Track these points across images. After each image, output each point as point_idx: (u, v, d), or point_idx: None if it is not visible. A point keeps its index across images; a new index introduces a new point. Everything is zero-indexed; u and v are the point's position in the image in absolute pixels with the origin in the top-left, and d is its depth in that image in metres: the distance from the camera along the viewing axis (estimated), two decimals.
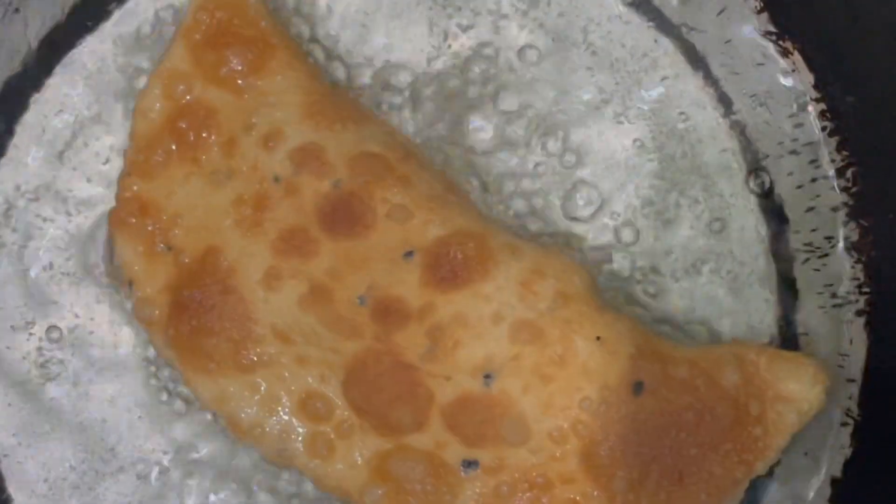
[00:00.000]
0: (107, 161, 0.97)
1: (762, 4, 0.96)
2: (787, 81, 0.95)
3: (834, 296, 0.94)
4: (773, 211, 0.96)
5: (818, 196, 0.95)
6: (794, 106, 0.95)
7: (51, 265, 0.97)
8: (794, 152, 0.95)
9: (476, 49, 0.97)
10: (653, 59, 0.97)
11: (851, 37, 0.93)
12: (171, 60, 0.92)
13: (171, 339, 0.91)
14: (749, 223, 0.96)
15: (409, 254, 0.88)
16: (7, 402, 0.97)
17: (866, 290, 0.94)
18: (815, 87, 0.95)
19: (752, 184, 0.96)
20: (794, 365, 0.88)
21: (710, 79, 0.97)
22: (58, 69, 0.98)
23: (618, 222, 0.96)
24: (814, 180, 0.95)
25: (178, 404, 0.96)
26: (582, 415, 0.87)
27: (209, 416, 0.96)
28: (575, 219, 0.96)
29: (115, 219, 0.92)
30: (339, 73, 0.97)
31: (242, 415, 0.89)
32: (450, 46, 0.97)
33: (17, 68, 0.98)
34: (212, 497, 0.96)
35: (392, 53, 0.97)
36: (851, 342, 0.94)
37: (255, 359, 0.89)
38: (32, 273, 0.97)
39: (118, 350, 0.97)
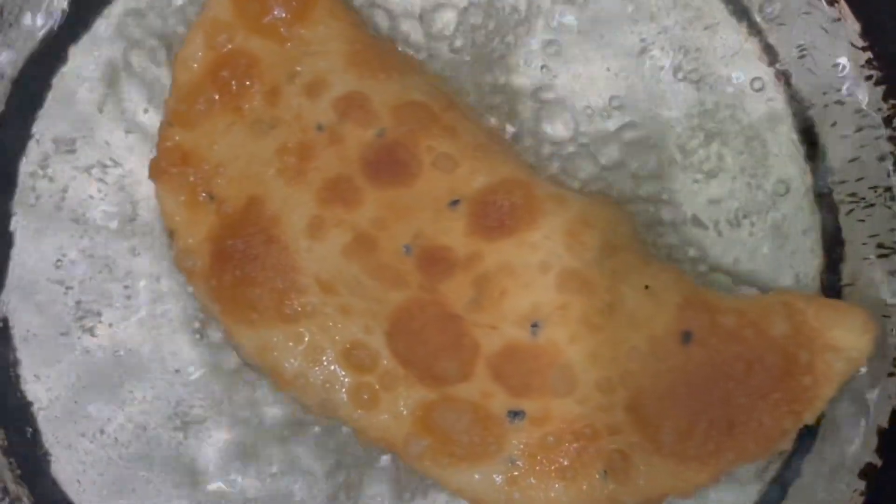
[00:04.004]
0: (146, 111, 0.96)
1: None
2: (832, 29, 0.94)
3: (880, 246, 0.94)
4: (818, 161, 0.95)
5: (864, 146, 0.94)
6: (840, 54, 0.94)
7: (87, 217, 0.96)
8: (839, 101, 0.94)
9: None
10: (695, 8, 0.96)
11: None
12: (213, 9, 0.91)
13: (214, 289, 0.90)
14: (793, 173, 0.95)
15: (455, 202, 0.88)
16: (44, 356, 0.96)
17: None
18: (862, 35, 0.94)
19: (796, 133, 0.95)
20: (843, 313, 0.88)
21: (755, 28, 0.96)
22: (95, 20, 0.97)
23: (660, 173, 0.95)
24: (859, 129, 0.94)
25: (220, 358, 0.95)
26: (630, 365, 0.86)
27: (252, 371, 0.94)
28: (617, 169, 0.94)
29: (155, 169, 0.91)
30: (381, 21, 0.96)
31: (286, 364, 0.89)
32: None
33: (55, 20, 0.96)
34: (252, 456, 0.95)
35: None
36: None
37: (299, 309, 0.88)
38: (68, 226, 0.96)
39: (156, 304, 0.96)
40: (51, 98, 0.97)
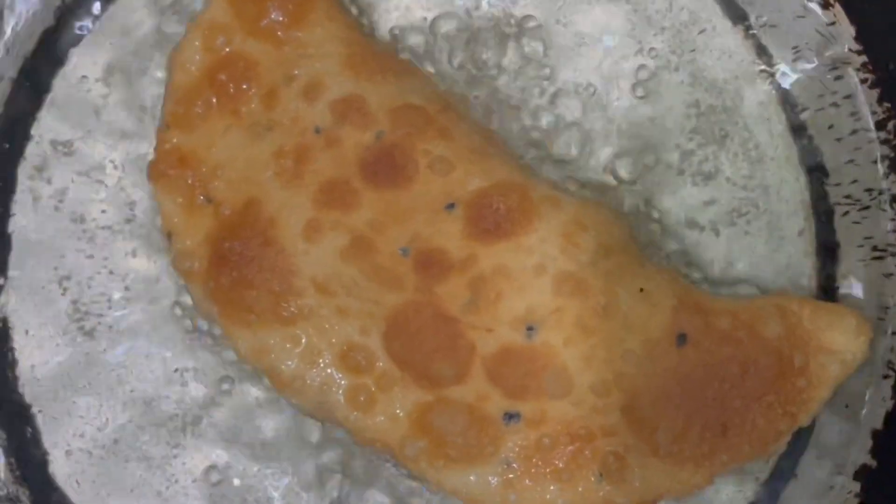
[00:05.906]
0: (143, 114, 0.96)
1: None
2: (827, 34, 0.94)
3: (874, 248, 0.94)
4: (813, 163, 0.95)
5: (858, 148, 0.94)
6: (835, 58, 0.94)
7: (85, 218, 0.96)
8: (834, 104, 0.95)
9: (510, 7, 0.96)
10: (692, 11, 0.96)
11: None
12: (210, 12, 0.92)
13: (211, 291, 0.90)
14: (788, 176, 0.95)
15: (451, 205, 0.88)
16: (42, 357, 0.97)
17: None
18: (856, 38, 0.94)
19: (791, 136, 0.95)
20: (838, 316, 0.88)
21: (750, 31, 0.96)
22: (94, 23, 0.97)
23: (655, 175, 0.95)
24: (854, 132, 0.94)
25: (215, 358, 0.96)
26: (624, 367, 0.87)
27: (247, 370, 0.95)
28: (613, 171, 0.95)
29: (154, 171, 0.92)
30: (375, 25, 0.96)
31: (283, 367, 0.89)
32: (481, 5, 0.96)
33: (54, 21, 0.97)
34: (245, 452, 0.96)
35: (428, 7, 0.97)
36: (892, 295, 0.93)
37: (296, 311, 0.88)
38: (67, 227, 0.96)
39: (154, 304, 0.97)
40: (49, 100, 0.97)
